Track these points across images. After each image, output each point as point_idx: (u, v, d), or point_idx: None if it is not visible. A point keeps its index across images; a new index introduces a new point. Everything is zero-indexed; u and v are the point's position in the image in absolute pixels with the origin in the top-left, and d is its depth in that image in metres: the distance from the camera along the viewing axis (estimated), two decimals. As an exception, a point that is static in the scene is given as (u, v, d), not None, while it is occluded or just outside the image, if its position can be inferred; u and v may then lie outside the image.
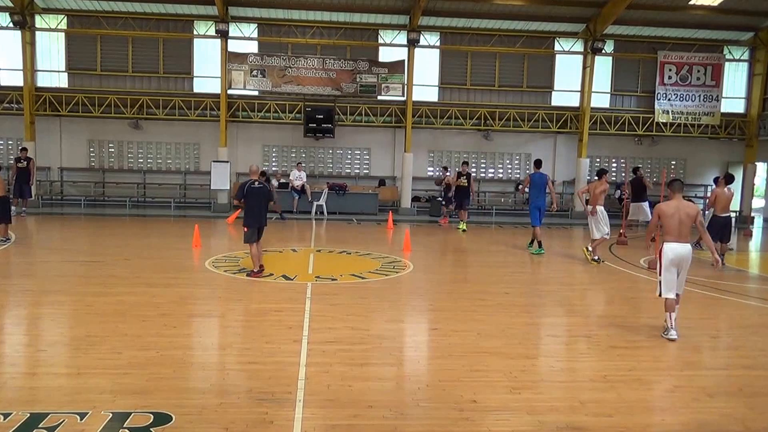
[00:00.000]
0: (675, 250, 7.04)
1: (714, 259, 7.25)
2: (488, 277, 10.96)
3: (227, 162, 21.01)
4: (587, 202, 12.98)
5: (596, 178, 13.22)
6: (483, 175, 23.65)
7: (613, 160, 24.00)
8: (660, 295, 7.07)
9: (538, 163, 14.03)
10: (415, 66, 21.47)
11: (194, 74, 21.89)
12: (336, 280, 9.82)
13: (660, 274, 7.09)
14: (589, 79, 22.10)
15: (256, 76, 21.24)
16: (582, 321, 8.08)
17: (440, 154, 23.31)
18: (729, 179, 12.77)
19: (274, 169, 22.33)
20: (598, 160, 23.77)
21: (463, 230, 16.90)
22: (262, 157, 22.76)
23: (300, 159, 22.39)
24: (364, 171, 23.19)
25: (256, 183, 9.96)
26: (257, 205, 9.87)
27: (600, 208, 12.25)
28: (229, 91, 21.28)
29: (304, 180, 20.77)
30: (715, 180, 14.67)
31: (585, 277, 11.37)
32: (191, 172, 22.49)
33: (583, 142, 22.50)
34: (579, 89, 22.79)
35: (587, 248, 12.79)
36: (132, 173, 22.37)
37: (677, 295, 7.07)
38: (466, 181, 17.23)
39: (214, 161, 20.99)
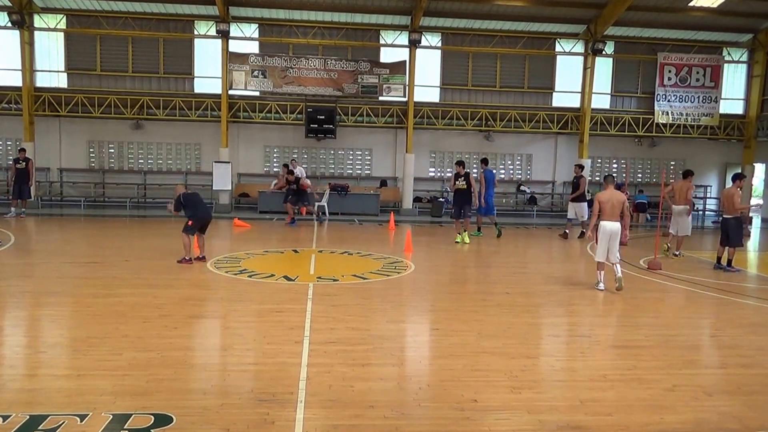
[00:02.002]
0: (606, 226, 9.59)
1: (623, 235, 9.68)
2: (489, 278, 10.94)
3: (228, 162, 21.05)
4: (672, 200, 13.62)
5: (681, 178, 13.89)
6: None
7: (614, 161, 24.11)
8: (596, 259, 9.82)
9: (485, 161, 16.31)
10: (416, 67, 21.53)
11: (195, 74, 21.93)
12: (337, 280, 9.80)
13: (597, 243, 9.73)
14: (590, 80, 22.25)
15: (257, 77, 21.29)
16: (582, 320, 8.11)
17: (442, 155, 23.35)
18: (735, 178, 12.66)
19: (275, 169, 22.38)
20: (599, 160, 23.93)
21: (465, 242, 14.38)
22: (264, 157, 22.84)
23: (296, 159, 21.75)
24: (366, 172, 23.20)
25: (187, 191, 11.25)
26: (198, 206, 11.17)
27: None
28: (230, 92, 21.32)
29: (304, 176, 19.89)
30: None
31: (585, 277, 11.31)
32: (192, 172, 22.47)
33: (584, 143, 22.61)
34: (580, 90, 22.91)
35: (667, 246, 13.54)
36: (132, 174, 22.35)
37: (613, 263, 9.57)
38: (464, 182, 14.64)
39: (215, 162, 21.00)
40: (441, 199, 21.81)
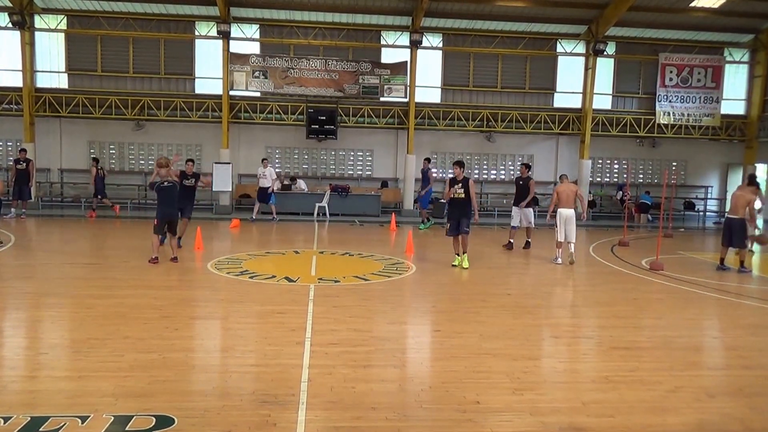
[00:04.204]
0: (563, 212, 12.12)
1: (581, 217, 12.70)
2: (490, 279, 10.89)
3: (229, 163, 20.91)
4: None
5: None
6: (486, 176, 23.62)
7: (615, 162, 24.11)
8: (557, 239, 12.23)
9: (427, 161, 17.80)
10: (417, 67, 21.47)
11: (196, 75, 21.90)
12: (339, 281, 9.77)
13: (557, 227, 12.24)
14: (591, 81, 22.17)
15: (258, 77, 21.26)
16: (584, 322, 8.08)
17: (443, 156, 23.24)
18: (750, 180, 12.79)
19: (277, 170, 22.08)
20: (600, 161, 23.86)
21: (464, 267, 11.46)
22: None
23: (267, 159, 20.31)
24: (367, 172, 23.14)
25: (165, 183, 10.81)
26: (165, 202, 10.78)
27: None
28: (231, 92, 21.25)
29: (273, 178, 19.22)
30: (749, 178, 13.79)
31: (587, 278, 11.34)
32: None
33: (585, 144, 22.55)
34: (581, 91, 22.84)
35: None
36: (133, 175, 22.27)
37: (570, 243, 12.01)
38: (462, 190, 11.38)
39: (216, 163, 20.89)
40: (443, 200, 21.62)
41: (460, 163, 11.59)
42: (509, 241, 13.97)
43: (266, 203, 19.02)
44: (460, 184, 11.33)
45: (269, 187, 18.87)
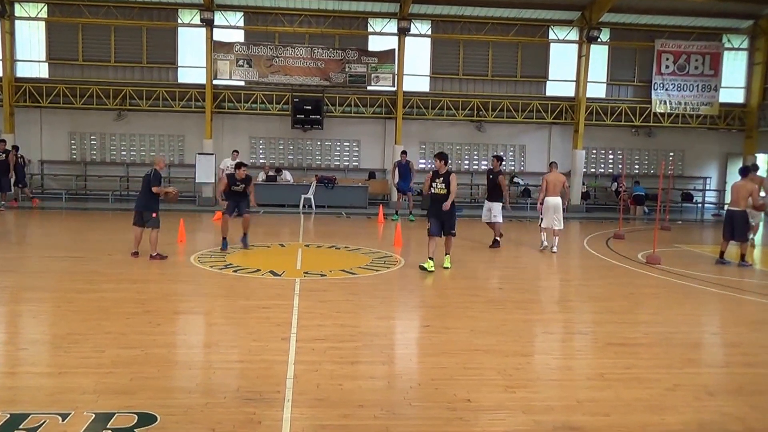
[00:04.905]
0: (550, 200, 12.47)
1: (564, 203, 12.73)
2: (481, 273, 10.73)
3: (212, 154, 20.49)
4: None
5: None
6: (476, 167, 23.17)
7: (610, 152, 23.85)
8: (540, 226, 12.77)
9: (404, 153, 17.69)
10: (405, 55, 21.16)
11: (179, 64, 21.49)
12: (325, 276, 9.64)
13: (541, 214, 12.63)
14: (585, 69, 21.75)
15: (243, 66, 20.92)
16: (578, 317, 7.95)
17: (432, 146, 22.72)
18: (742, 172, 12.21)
19: (261, 161, 21.98)
20: (594, 151, 23.64)
21: (446, 266, 10.56)
22: (249, 149, 22.27)
23: (238, 150, 19.59)
24: (354, 163, 22.82)
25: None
26: (141, 191, 10.69)
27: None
28: (215, 82, 20.86)
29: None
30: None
31: (581, 272, 11.25)
32: (175, 164, 21.93)
33: (579, 133, 22.10)
34: (574, 79, 22.34)
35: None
36: (115, 166, 21.89)
37: (555, 231, 12.55)
38: (444, 185, 10.29)
39: (199, 153, 20.61)
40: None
41: (442, 156, 10.38)
42: (494, 239, 13.02)
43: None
44: (442, 179, 10.28)
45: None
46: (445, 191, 10.22)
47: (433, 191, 10.36)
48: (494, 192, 12.99)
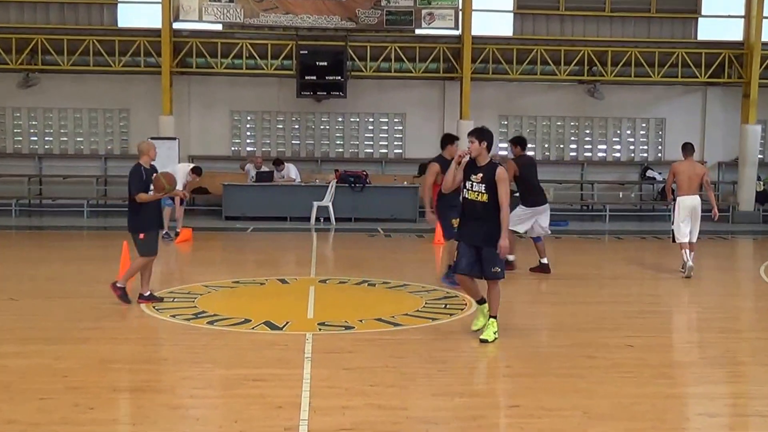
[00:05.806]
0: (686, 201, 10.04)
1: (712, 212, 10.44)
2: (601, 320, 7.95)
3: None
4: None
5: None
6: (589, 155, 18.75)
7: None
8: (675, 238, 10.47)
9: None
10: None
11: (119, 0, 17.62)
12: (353, 328, 7.16)
13: (677, 220, 10.47)
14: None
15: (220, 1, 16.82)
16: (756, 390, 5.66)
17: (518, 121, 18.28)
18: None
19: (249, 149, 18.04)
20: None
21: (482, 339, 6.69)
22: (231, 130, 17.88)
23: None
24: (395, 151, 18.56)
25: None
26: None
27: None
28: (176, 25, 16.90)
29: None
30: None
31: (756, 317, 8.59)
32: (115, 156, 17.86)
33: (751, 99, 17.12)
34: (743, 14, 17.65)
35: None
36: (21, 159, 17.76)
37: (691, 245, 10.29)
38: (483, 186, 6.56)
39: (152, 138, 15.84)
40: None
41: (482, 133, 6.39)
42: (540, 262, 10.59)
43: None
44: (482, 175, 6.39)
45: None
46: (486, 197, 6.50)
47: (466, 195, 6.63)
48: (530, 192, 10.45)
